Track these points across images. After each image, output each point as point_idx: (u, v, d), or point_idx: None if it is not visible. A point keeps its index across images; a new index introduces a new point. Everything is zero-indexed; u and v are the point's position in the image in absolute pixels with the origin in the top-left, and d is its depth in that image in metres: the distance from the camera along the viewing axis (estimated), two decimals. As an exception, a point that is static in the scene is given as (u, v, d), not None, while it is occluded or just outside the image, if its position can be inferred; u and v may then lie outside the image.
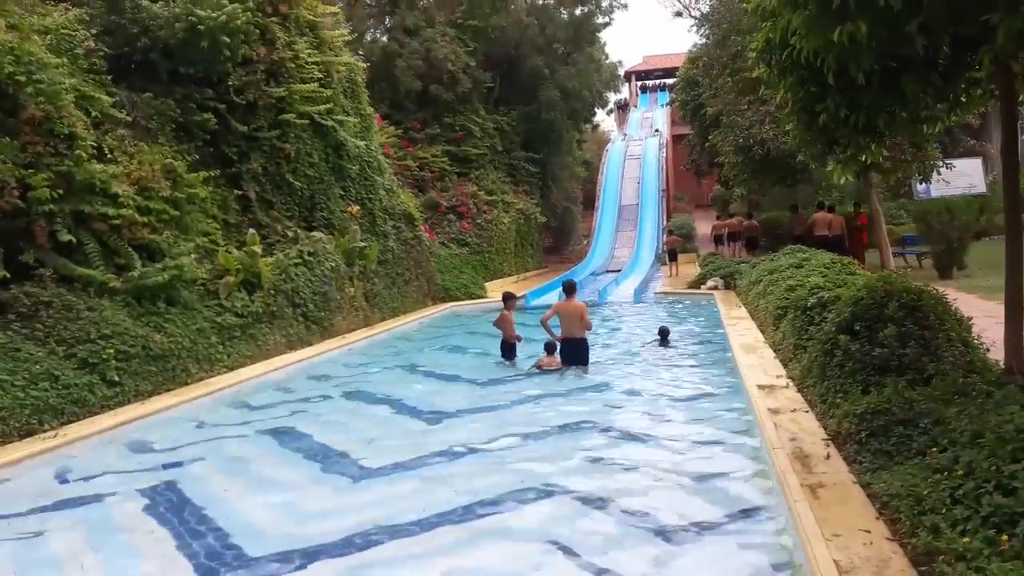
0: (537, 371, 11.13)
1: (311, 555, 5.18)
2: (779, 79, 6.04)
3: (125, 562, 5.24)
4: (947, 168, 19.30)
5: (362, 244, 16.47)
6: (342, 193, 17.02)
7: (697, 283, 21.25)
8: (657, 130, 48.64)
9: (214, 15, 12.65)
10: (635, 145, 45.59)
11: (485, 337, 13.04)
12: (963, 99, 5.90)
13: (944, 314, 7.13)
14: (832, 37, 4.49)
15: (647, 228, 35.70)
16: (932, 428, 5.28)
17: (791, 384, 8.56)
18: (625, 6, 34.52)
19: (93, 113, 10.94)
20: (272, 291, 12.99)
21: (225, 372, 11.15)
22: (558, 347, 11.27)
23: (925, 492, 4.41)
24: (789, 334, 9.97)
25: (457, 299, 21.03)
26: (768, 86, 6.78)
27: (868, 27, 4.35)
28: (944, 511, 4.15)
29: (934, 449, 4.93)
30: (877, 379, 6.57)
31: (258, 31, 14.30)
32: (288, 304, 13.37)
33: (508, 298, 12.55)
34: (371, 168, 18.39)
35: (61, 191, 9.66)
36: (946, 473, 4.51)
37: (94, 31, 11.83)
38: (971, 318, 7.60)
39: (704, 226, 35.39)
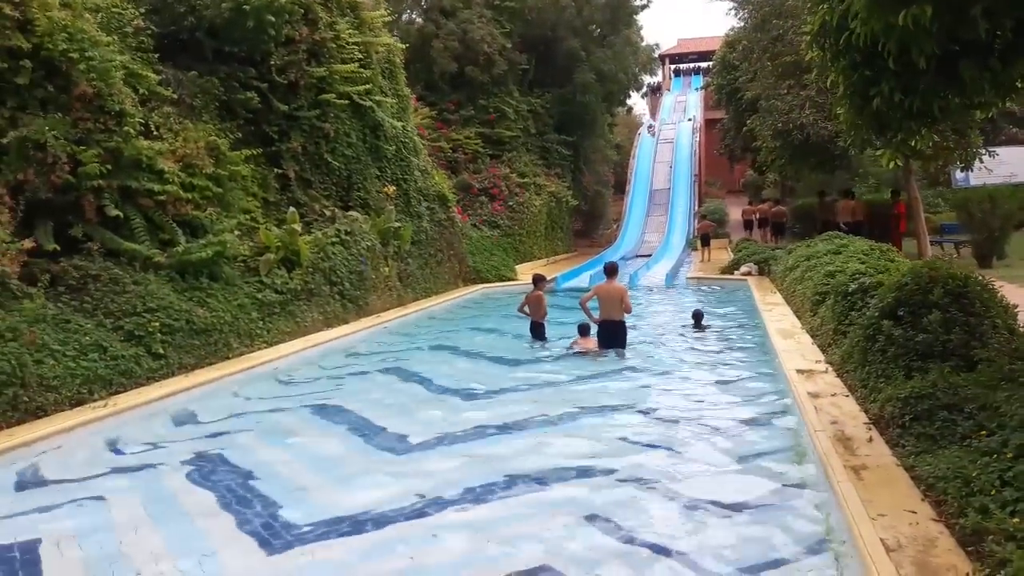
0: (573, 353, 11.15)
1: (357, 525, 5.31)
2: (832, 62, 6.00)
3: (178, 529, 5.40)
4: (990, 156, 19.04)
5: (397, 224, 16.61)
6: (378, 173, 17.14)
7: (730, 268, 21.10)
8: (692, 117, 48.15)
9: (258, -6, 12.77)
10: (668, 129, 45.26)
11: (516, 319, 13.12)
12: (1019, 84, 5.82)
13: (990, 301, 7.06)
14: (895, 21, 4.46)
15: (678, 213, 35.45)
16: (978, 413, 5.27)
17: (830, 369, 8.52)
18: (663, -12, 34.25)
19: (140, 90, 11.13)
20: (310, 269, 13.16)
21: (265, 347, 11.34)
22: (592, 329, 11.29)
23: (974, 474, 4.43)
24: (828, 319, 9.92)
25: (488, 281, 21.10)
26: (820, 69, 6.73)
27: (932, 11, 4.32)
28: (993, 492, 4.17)
29: (982, 433, 4.93)
30: (920, 364, 6.54)
31: (301, 11, 14.40)
32: (325, 282, 13.53)
33: (539, 280, 12.59)
34: (407, 149, 18.49)
35: (109, 167, 9.86)
36: (995, 456, 4.52)
37: (142, 10, 12.02)
38: (1016, 306, 7.53)
39: (737, 212, 35.12)
